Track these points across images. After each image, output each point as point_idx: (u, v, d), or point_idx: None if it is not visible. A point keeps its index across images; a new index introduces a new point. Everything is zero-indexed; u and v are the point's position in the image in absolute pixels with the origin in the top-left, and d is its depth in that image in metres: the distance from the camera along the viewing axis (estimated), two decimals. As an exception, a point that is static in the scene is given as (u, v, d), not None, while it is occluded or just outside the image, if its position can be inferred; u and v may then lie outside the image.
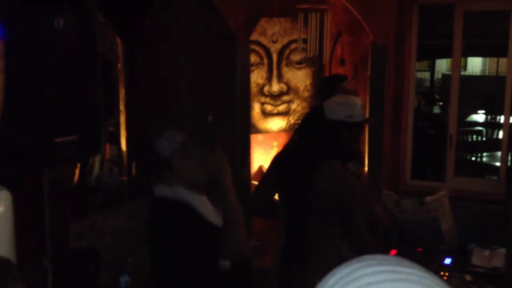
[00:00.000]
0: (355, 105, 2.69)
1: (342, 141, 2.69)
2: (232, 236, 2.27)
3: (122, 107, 4.36)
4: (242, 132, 4.02)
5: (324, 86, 3.55)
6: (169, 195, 2.29)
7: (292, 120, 5.17)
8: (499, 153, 5.81)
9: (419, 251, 3.48)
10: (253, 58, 4.73)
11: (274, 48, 4.99)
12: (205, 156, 2.33)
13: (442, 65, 14.80)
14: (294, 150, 2.88)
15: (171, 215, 2.29)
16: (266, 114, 5.05)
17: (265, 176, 3.09)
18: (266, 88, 5.01)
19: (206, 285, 2.31)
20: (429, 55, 10.30)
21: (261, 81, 4.97)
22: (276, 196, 3.03)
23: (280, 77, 5.06)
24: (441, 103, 11.41)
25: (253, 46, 4.68)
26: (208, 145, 2.39)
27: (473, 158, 8.06)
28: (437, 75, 13.81)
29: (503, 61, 9.47)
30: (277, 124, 5.11)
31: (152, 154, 2.35)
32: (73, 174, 3.78)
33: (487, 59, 15.88)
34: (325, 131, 2.70)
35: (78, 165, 3.93)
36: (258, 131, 4.98)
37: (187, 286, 2.31)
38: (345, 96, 2.96)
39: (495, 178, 5.53)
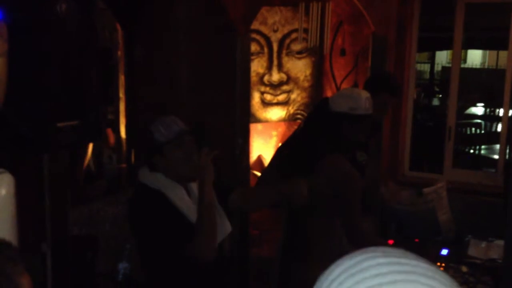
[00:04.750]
0: (360, 97, 2.63)
1: (344, 134, 2.64)
2: (198, 238, 2.19)
3: (121, 94, 4.36)
4: (242, 121, 4.01)
5: (369, 84, 3.32)
6: (149, 183, 2.28)
7: (291, 110, 5.17)
8: (497, 146, 5.82)
9: (416, 241, 3.49)
10: (254, 47, 4.72)
11: (275, 37, 4.98)
12: (193, 151, 2.29)
13: (442, 57, 14.79)
14: (296, 143, 2.87)
15: (148, 203, 2.26)
16: (265, 104, 5.05)
17: (269, 166, 3.09)
18: (266, 78, 5.00)
19: (180, 277, 2.29)
20: (430, 47, 10.28)
21: (261, 70, 4.96)
22: None
23: (280, 67, 5.05)
24: (440, 95, 11.42)
25: (254, 35, 4.67)
26: (198, 143, 2.34)
27: (472, 151, 8.08)
28: (437, 67, 13.79)
29: (503, 54, 9.46)
30: (276, 113, 5.11)
31: (145, 134, 2.32)
32: (75, 161, 3.78)
33: (487, 51, 15.87)
34: (327, 123, 2.67)
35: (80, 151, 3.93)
36: (257, 120, 4.99)
37: (162, 275, 2.29)
38: (351, 88, 2.92)
39: (493, 170, 5.54)
